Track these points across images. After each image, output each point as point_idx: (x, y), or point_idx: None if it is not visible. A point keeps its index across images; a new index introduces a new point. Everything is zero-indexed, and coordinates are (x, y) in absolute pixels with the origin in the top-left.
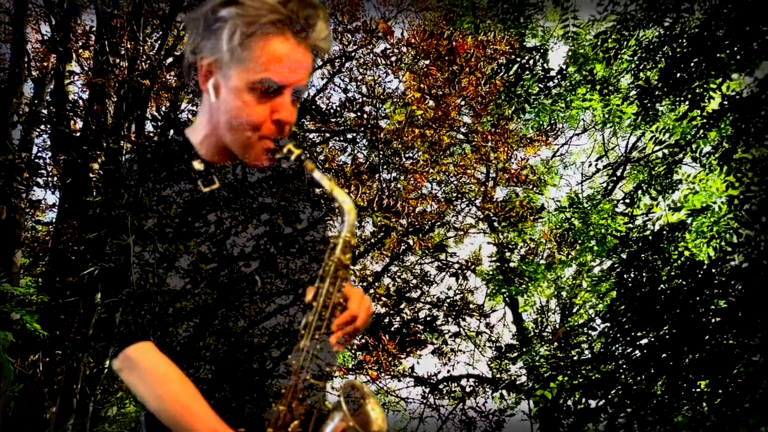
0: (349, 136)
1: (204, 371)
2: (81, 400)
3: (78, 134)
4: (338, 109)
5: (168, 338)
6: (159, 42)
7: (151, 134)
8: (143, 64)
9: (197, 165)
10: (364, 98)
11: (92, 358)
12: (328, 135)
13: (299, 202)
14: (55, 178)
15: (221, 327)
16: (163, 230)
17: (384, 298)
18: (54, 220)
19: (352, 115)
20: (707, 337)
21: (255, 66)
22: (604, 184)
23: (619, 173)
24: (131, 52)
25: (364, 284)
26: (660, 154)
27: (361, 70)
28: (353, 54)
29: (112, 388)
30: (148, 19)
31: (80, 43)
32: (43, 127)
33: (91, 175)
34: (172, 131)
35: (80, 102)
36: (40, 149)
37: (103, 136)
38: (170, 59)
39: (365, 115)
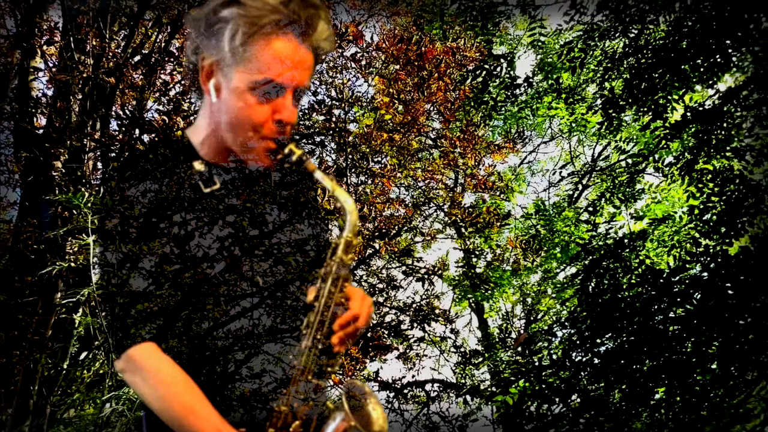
0: (318, 139)
1: None
2: (38, 401)
3: (41, 131)
4: (307, 111)
5: (130, 340)
6: (126, 40)
7: (115, 132)
8: (109, 61)
9: (198, 165)
10: (333, 101)
11: (50, 359)
12: (296, 137)
13: (266, 204)
14: (17, 176)
15: (184, 329)
16: (126, 230)
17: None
18: (14, 219)
19: (321, 117)
20: (665, 344)
21: (257, 66)
22: (569, 192)
23: (585, 181)
24: (97, 49)
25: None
26: (624, 163)
27: (330, 74)
28: (323, 57)
29: (70, 390)
30: (116, 16)
31: (45, 39)
32: (6, 123)
33: (53, 174)
34: (137, 131)
35: (44, 99)
36: (2, 146)
37: (67, 134)
38: (137, 57)
39: (334, 118)
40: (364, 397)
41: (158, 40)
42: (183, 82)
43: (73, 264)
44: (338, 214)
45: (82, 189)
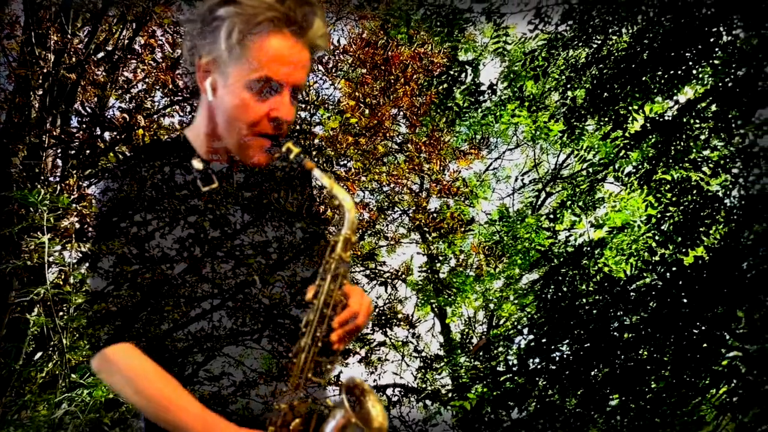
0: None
1: None
2: None
3: None
4: None
5: (85, 340)
6: (88, 36)
7: (75, 130)
8: (71, 57)
9: (196, 164)
10: (299, 103)
11: (3, 358)
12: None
13: (228, 205)
14: None
15: (143, 330)
16: (84, 229)
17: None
18: None
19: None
20: (620, 352)
21: (253, 64)
22: (530, 199)
23: (548, 189)
24: (58, 45)
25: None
26: (585, 172)
27: None
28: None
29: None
30: (79, 12)
31: (5, 33)
32: None
33: (11, 170)
34: (98, 129)
35: (3, 94)
36: None
37: (26, 130)
38: (101, 54)
39: (299, 120)
40: (363, 394)
41: (122, 37)
42: (146, 80)
43: (28, 263)
44: (304, 216)
45: (39, 186)
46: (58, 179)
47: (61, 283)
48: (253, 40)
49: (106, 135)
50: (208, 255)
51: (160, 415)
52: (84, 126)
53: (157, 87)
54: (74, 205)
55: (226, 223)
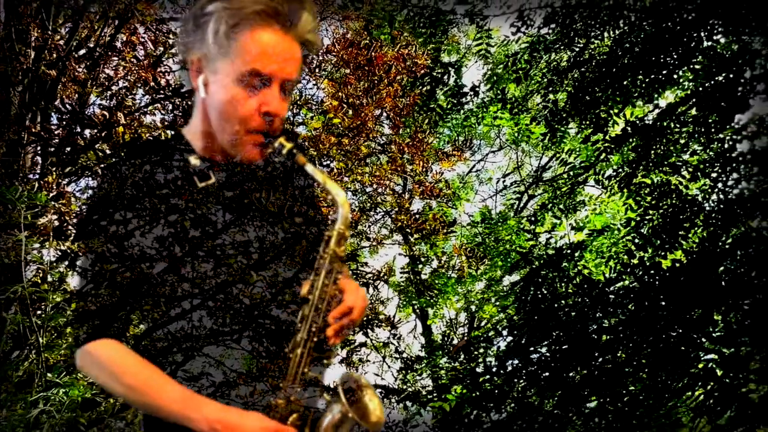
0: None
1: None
2: None
3: None
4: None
5: (63, 339)
6: (69, 33)
7: (55, 127)
8: (51, 54)
9: (193, 161)
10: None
11: None
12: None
13: (209, 204)
14: None
15: (121, 329)
16: (62, 227)
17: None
18: None
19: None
20: (598, 353)
21: (241, 58)
22: (511, 202)
23: (530, 192)
24: (39, 41)
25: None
26: (566, 174)
27: None
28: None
29: None
30: (60, 8)
31: None
32: None
33: None
34: (78, 126)
35: None
36: None
37: (5, 127)
38: (82, 51)
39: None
40: (360, 388)
41: (103, 34)
42: (127, 77)
43: (5, 260)
44: (285, 215)
45: (17, 183)
46: (37, 176)
47: (39, 281)
48: (240, 35)
49: (87, 132)
50: (188, 254)
51: (144, 402)
52: (64, 123)
53: (139, 85)
54: (52, 203)
55: (207, 223)
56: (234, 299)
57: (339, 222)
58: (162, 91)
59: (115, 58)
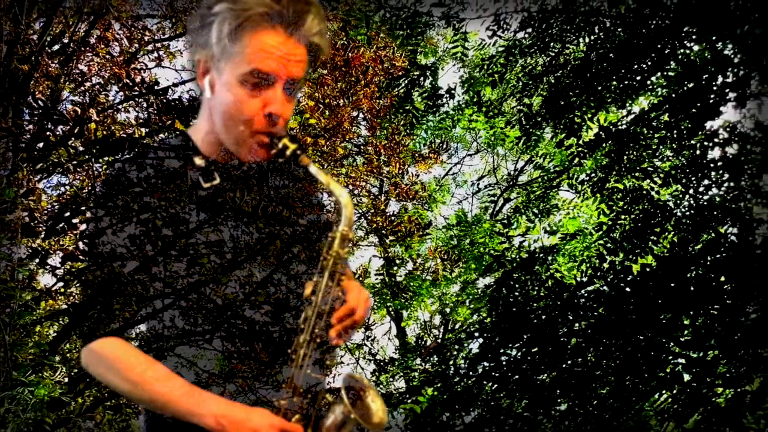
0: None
1: (61, 374)
2: None
3: None
4: None
5: (32, 338)
6: (43, 27)
7: (26, 122)
8: (24, 48)
9: (198, 161)
10: None
11: None
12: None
13: (182, 203)
14: None
15: (93, 328)
16: (32, 224)
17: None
18: None
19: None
20: (568, 356)
21: (244, 58)
22: (485, 205)
23: (505, 195)
24: (11, 35)
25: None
26: (541, 178)
27: None
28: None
29: None
30: (34, 2)
31: None
32: None
33: None
34: (49, 122)
35: None
36: None
37: None
38: (56, 47)
39: None
40: (362, 389)
41: (78, 30)
42: (101, 73)
43: None
44: (260, 215)
45: None
46: (7, 172)
47: (8, 278)
48: (244, 35)
49: (60, 129)
50: (160, 253)
51: (150, 398)
52: (36, 119)
53: (113, 81)
54: (21, 199)
55: (180, 222)
56: (206, 299)
57: (342, 223)
58: (136, 88)
59: (89, 54)
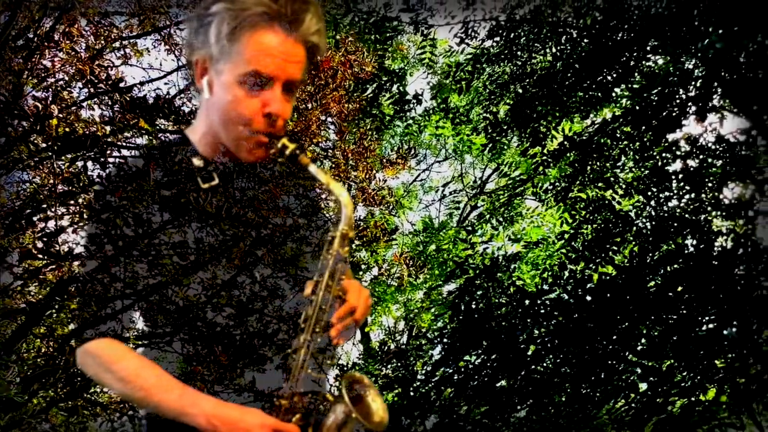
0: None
1: (12, 374)
2: None
3: None
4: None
5: None
6: (6, 22)
7: None
8: None
9: (196, 161)
10: None
11: None
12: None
13: (144, 203)
14: None
15: (51, 328)
16: None
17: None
18: None
19: None
20: (526, 364)
21: (243, 59)
22: (450, 211)
23: (472, 202)
24: None
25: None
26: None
27: None
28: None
29: None
30: None
31: None
32: None
33: None
34: (9, 117)
35: None
36: None
37: None
38: (20, 42)
39: None
40: (363, 388)
41: (42, 25)
42: (65, 69)
43: None
44: (224, 216)
45: None
46: None
47: None
48: (242, 36)
49: (21, 124)
50: (121, 253)
51: (143, 399)
52: None
53: (77, 78)
54: None
55: (141, 222)
56: (168, 301)
57: (342, 223)
58: (101, 85)
59: (53, 49)
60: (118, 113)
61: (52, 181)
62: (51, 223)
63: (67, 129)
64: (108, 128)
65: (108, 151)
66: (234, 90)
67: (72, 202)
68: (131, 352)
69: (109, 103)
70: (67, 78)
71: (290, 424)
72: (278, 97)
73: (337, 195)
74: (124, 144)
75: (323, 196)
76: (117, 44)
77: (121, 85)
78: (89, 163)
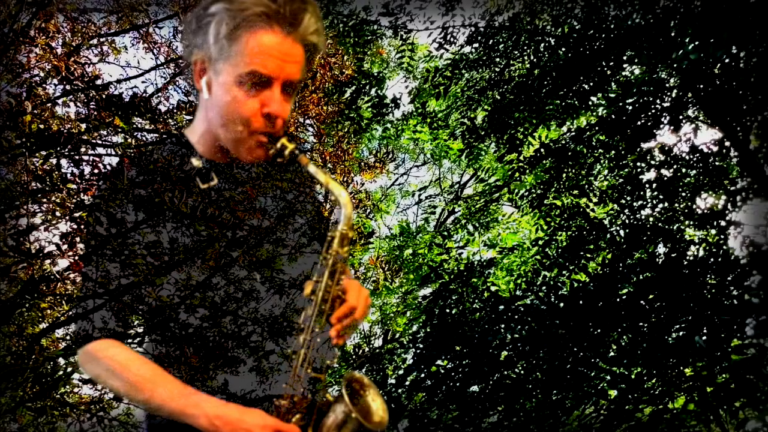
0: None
1: None
2: None
3: None
4: (175, 111)
5: None
6: None
7: None
8: None
9: (195, 162)
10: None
11: None
12: (165, 136)
13: (117, 202)
14: None
15: (21, 327)
16: None
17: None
18: None
19: (189, 117)
20: (497, 369)
21: (242, 59)
22: (425, 216)
23: (449, 207)
24: None
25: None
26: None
27: None
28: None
29: None
30: None
31: None
32: None
33: None
34: None
35: None
36: None
37: None
38: None
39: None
40: (363, 388)
41: (18, 20)
42: (40, 65)
43: None
44: (198, 217)
45: None
46: None
47: None
48: (241, 36)
49: None
50: (94, 252)
51: (145, 399)
52: None
53: (52, 74)
54: None
55: (114, 222)
56: (140, 301)
57: (342, 223)
58: (76, 82)
59: (29, 45)
60: (93, 111)
61: (24, 178)
62: (23, 221)
63: (41, 125)
64: (83, 126)
65: (83, 149)
66: (233, 90)
67: (45, 199)
68: (132, 352)
69: (85, 100)
70: (42, 74)
71: (290, 424)
72: (277, 97)
73: (336, 195)
74: (99, 142)
75: (300, 199)
76: (94, 41)
77: (98, 82)
78: (63, 161)
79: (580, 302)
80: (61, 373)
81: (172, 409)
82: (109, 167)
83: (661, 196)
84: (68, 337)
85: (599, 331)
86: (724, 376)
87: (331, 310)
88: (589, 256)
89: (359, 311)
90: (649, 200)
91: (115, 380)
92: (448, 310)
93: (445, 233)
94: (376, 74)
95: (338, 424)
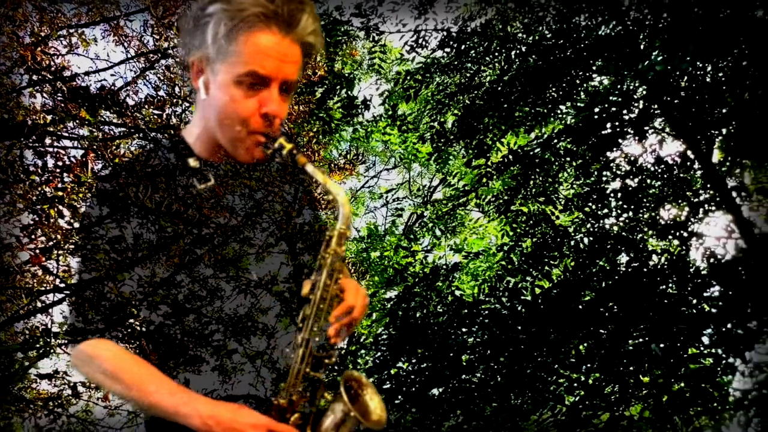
0: (151, 135)
1: None
2: None
3: None
4: (143, 105)
5: None
6: None
7: None
8: None
9: (192, 162)
10: (170, 98)
11: None
12: (133, 130)
13: (80, 195)
14: None
15: None
16: None
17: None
18: None
19: (158, 112)
20: (457, 373)
21: (240, 59)
22: (392, 219)
23: (418, 210)
24: None
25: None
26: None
27: (173, 70)
28: (168, 51)
29: None
30: None
31: None
32: None
33: None
34: None
35: None
36: None
37: None
38: None
39: (165, 115)
40: (361, 387)
41: None
42: (6, 54)
43: None
44: (164, 212)
45: None
46: None
47: None
48: (239, 36)
49: None
50: (56, 246)
51: (138, 399)
52: None
53: (18, 64)
54: None
55: (76, 215)
56: (101, 296)
57: (340, 222)
58: (43, 73)
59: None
60: (59, 102)
61: None
62: None
63: (5, 115)
64: (49, 117)
65: (47, 141)
66: (231, 90)
67: (6, 191)
68: (126, 352)
69: (52, 91)
70: (8, 63)
71: (283, 423)
72: (275, 97)
73: (334, 194)
74: (64, 134)
75: (269, 198)
76: (63, 32)
77: (66, 73)
78: (27, 152)
79: (542, 308)
80: (17, 367)
81: (165, 408)
82: (74, 160)
83: (625, 206)
84: (26, 332)
85: (559, 337)
86: (680, 384)
87: (329, 309)
88: (553, 263)
89: (357, 310)
90: (613, 209)
91: (108, 379)
92: (411, 313)
93: (412, 236)
94: (347, 75)
95: (337, 423)
